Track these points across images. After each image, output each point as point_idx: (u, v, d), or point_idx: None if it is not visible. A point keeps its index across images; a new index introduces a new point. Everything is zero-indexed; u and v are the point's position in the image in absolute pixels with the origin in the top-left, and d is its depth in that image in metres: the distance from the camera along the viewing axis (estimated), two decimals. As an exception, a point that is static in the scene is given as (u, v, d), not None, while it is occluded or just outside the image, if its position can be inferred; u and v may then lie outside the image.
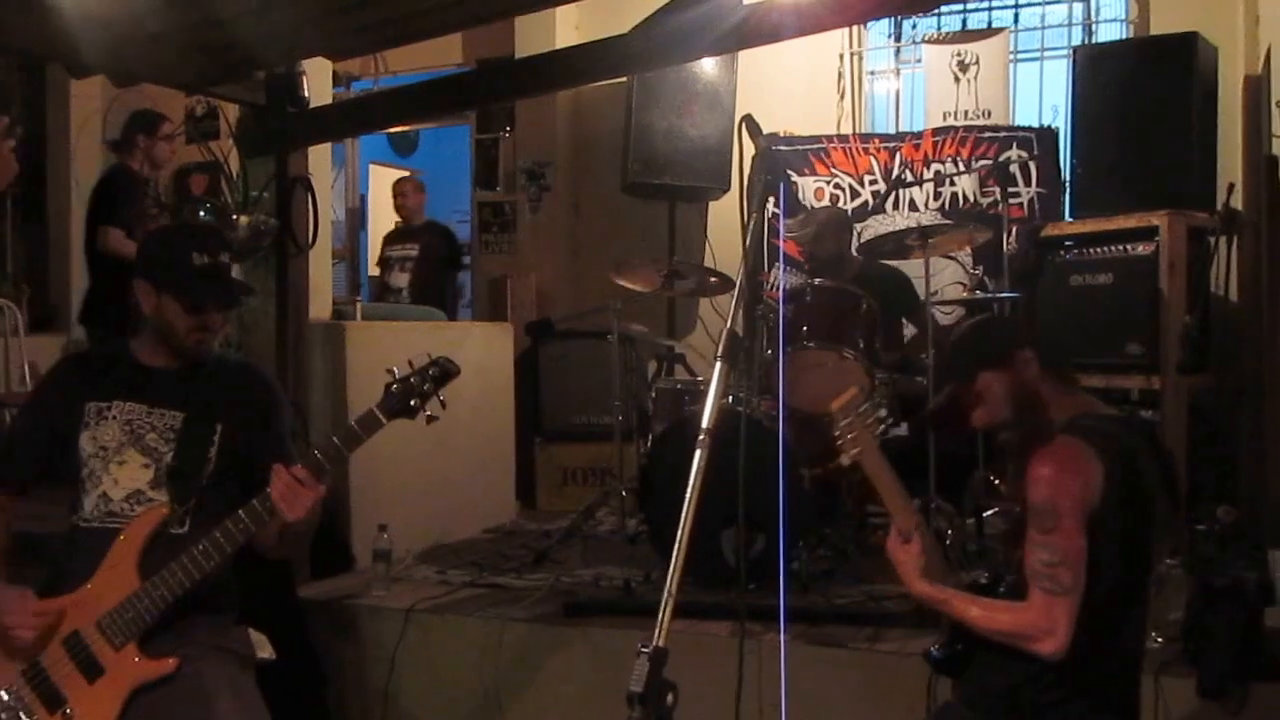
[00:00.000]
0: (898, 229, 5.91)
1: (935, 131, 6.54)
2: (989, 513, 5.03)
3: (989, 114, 6.57)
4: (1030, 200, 6.31)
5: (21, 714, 2.64)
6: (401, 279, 7.75)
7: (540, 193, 7.65)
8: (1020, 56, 6.87)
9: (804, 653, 3.67)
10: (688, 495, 1.92)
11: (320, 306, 5.23)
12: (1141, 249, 5.06)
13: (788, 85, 7.05)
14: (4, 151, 4.57)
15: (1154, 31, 6.28)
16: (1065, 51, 6.65)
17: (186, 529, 2.81)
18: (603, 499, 5.66)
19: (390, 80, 7.48)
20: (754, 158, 2.25)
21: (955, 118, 6.61)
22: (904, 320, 5.53)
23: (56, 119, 6.24)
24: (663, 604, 1.88)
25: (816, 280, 4.83)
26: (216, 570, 2.72)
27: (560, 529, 5.40)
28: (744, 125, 2.26)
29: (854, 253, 5.78)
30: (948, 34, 6.87)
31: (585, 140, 7.75)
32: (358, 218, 9.99)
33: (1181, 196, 5.13)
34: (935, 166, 6.50)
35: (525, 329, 6.85)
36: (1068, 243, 5.48)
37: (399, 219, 8.22)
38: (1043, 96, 6.84)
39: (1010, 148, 6.34)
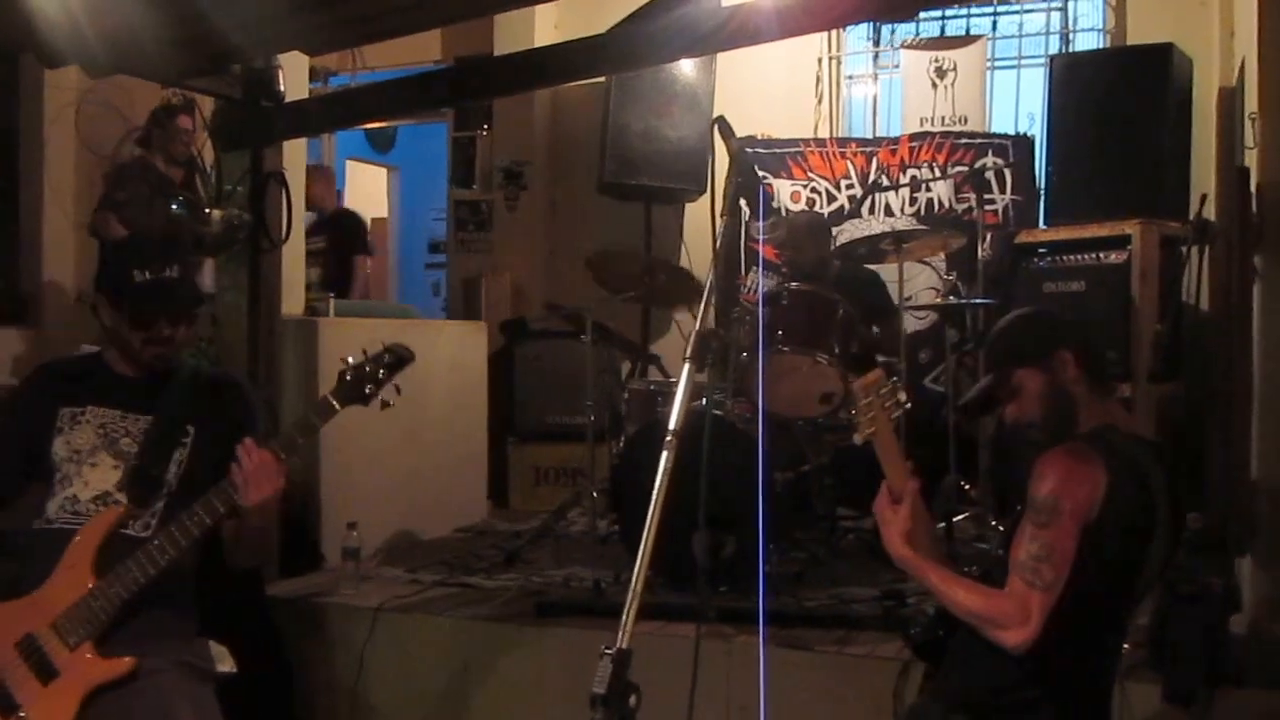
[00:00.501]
0: (873, 233, 5.92)
1: (912, 137, 6.56)
2: (959, 517, 5.04)
3: (966, 120, 6.59)
4: (1005, 207, 6.33)
5: (-27, 719, 2.61)
6: (312, 274, 7.63)
7: (517, 191, 7.64)
8: (997, 64, 6.89)
9: (773, 655, 3.66)
10: (654, 498, 1.92)
11: (293, 302, 5.21)
12: (1114, 257, 5.09)
13: (766, 88, 7.05)
14: None
15: (1130, 42, 6.33)
16: (1042, 60, 6.68)
17: (151, 532, 2.79)
18: (575, 499, 5.66)
19: (368, 76, 7.46)
20: (730, 161, 2.26)
21: (932, 123, 6.63)
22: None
23: (29, 111, 6.18)
24: (627, 606, 1.87)
25: (792, 284, 4.84)
26: (172, 566, 2.69)
27: (532, 529, 5.40)
28: (716, 128, 2.26)
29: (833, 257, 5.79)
30: (926, 40, 6.89)
31: (563, 140, 7.73)
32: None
33: (1155, 206, 5.17)
34: (911, 172, 6.51)
35: (500, 328, 6.85)
36: (1041, 250, 5.52)
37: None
38: (1019, 104, 6.87)
39: (986, 154, 6.36)
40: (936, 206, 6.50)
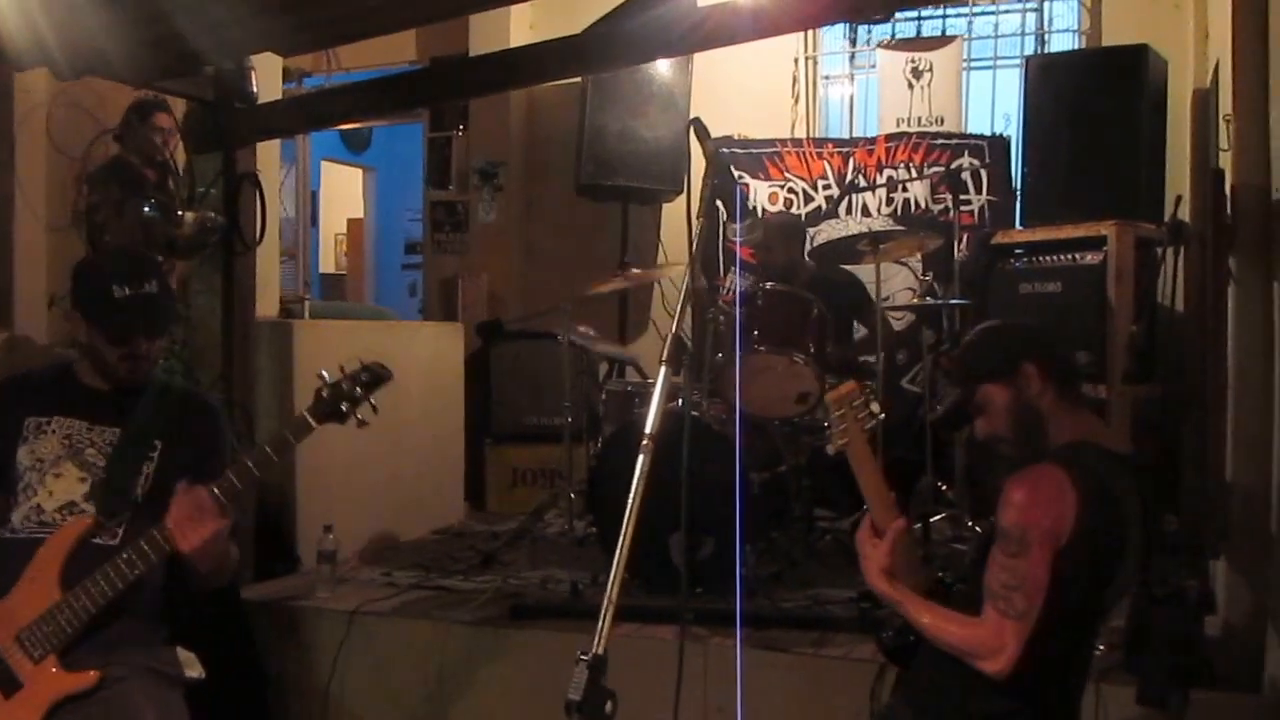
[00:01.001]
0: (850, 234, 5.92)
1: (889, 137, 6.57)
2: (935, 518, 5.05)
3: (942, 121, 6.60)
4: (981, 208, 6.34)
5: (-67, 734, 2.58)
6: None
7: (493, 192, 7.62)
8: (973, 65, 6.90)
9: (749, 656, 3.65)
10: (630, 501, 1.90)
11: (268, 304, 5.18)
12: (1090, 258, 5.10)
13: (742, 88, 7.04)
14: None
15: (1105, 43, 6.35)
16: (1018, 61, 6.69)
17: (118, 543, 2.75)
18: (552, 501, 5.65)
19: (343, 77, 7.39)
20: (706, 162, 2.25)
21: (909, 124, 6.64)
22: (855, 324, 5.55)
23: (-2, 112, 6.13)
24: (603, 611, 1.85)
25: (768, 285, 4.84)
26: (141, 579, 2.66)
27: (509, 531, 5.38)
28: (692, 129, 2.24)
29: (806, 258, 5.79)
30: (902, 40, 6.90)
31: (539, 140, 7.72)
32: (308, 215, 9.90)
33: (1130, 207, 5.18)
34: (888, 172, 6.52)
35: (476, 329, 6.82)
36: (1017, 250, 5.53)
37: None
38: (995, 105, 6.88)
39: (962, 155, 6.37)
40: (913, 207, 6.51)
